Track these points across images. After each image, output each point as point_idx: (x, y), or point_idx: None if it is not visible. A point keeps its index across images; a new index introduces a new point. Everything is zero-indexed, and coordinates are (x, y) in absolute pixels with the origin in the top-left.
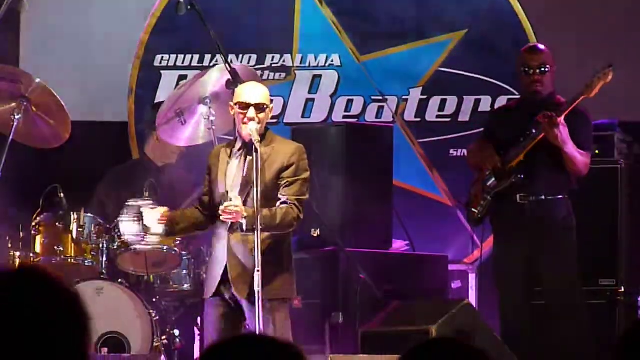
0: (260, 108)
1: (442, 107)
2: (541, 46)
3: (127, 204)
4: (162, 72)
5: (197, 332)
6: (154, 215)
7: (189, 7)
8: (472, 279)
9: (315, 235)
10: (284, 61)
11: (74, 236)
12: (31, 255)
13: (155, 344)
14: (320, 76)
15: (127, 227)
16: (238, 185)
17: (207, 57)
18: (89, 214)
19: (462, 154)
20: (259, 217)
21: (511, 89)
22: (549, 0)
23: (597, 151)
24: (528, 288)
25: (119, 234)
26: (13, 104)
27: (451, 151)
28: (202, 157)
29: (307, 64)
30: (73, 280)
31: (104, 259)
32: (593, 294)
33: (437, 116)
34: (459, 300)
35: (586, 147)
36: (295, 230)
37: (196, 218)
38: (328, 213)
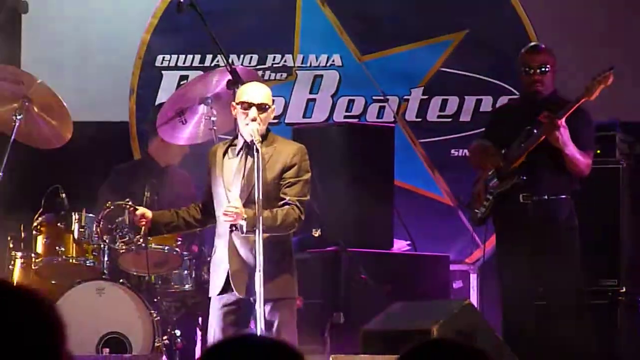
0: (262, 108)
1: (443, 107)
2: (542, 46)
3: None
4: (163, 72)
5: (198, 332)
6: (132, 217)
7: (190, 7)
8: (473, 279)
9: (317, 235)
10: (285, 61)
11: (76, 236)
12: (32, 255)
13: (156, 344)
14: (321, 76)
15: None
16: (238, 185)
17: (209, 57)
18: (91, 214)
19: (463, 154)
20: (260, 218)
21: (512, 89)
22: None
23: (598, 151)
24: (531, 288)
25: (120, 234)
26: (15, 104)
27: (452, 151)
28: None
29: (308, 64)
30: (74, 280)
31: (106, 259)
32: (594, 294)
33: (438, 116)
34: (460, 300)
35: (588, 147)
36: (297, 230)
37: (189, 216)
38: (329, 213)
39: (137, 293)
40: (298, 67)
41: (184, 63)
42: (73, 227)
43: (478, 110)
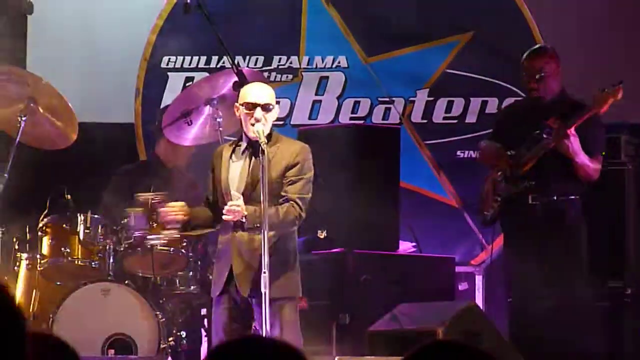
0: (266, 108)
1: (448, 108)
2: (541, 50)
3: (136, 197)
4: (169, 73)
5: (203, 333)
6: (171, 210)
7: (196, 8)
8: (478, 280)
9: (322, 236)
10: (290, 63)
11: (81, 238)
12: (38, 256)
13: (161, 346)
14: (327, 78)
15: (137, 221)
16: (244, 185)
17: (214, 58)
18: (96, 216)
19: (469, 156)
20: (265, 217)
21: (518, 91)
22: (556, 1)
23: (603, 153)
24: (538, 289)
25: (125, 235)
26: (20, 105)
27: (458, 153)
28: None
29: (314, 66)
30: (80, 281)
31: (111, 260)
32: (600, 295)
33: (444, 118)
34: (466, 301)
35: (597, 151)
36: (302, 230)
37: (208, 216)
38: (335, 214)
39: (142, 294)
40: (304, 68)
41: (189, 64)
42: (78, 228)
43: (484, 111)
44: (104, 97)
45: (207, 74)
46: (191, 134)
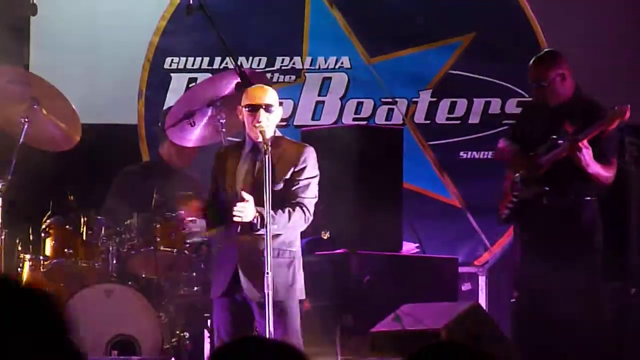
0: (268, 110)
1: (452, 109)
2: (540, 59)
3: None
4: (172, 74)
5: (206, 334)
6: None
7: (199, 9)
8: (482, 281)
9: (326, 237)
10: (293, 63)
11: (84, 239)
12: (41, 257)
13: (165, 347)
14: (330, 78)
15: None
16: (248, 187)
17: (217, 59)
18: (99, 217)
19: (472, 156)
20: (269, 218)
21: (521, 91)
22: (559, 1)
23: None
24: (548, 289)
25: (129, 237)
26: (23, 107)
27: (461, 153)
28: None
29: (316, 67)
30: (83, 282)
31: (114, 261)
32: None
33: (447, 118)
34: (469, 302)
35: (611, 154)
36: (306, 232)
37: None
38: (338, 215)
39: (145, 295)
40: (307, 69)
41: (192, 65)
42: (82, 229)
43: (487, 112)
44: (106, 98)
45: (210, 75)
46: (194, 135)
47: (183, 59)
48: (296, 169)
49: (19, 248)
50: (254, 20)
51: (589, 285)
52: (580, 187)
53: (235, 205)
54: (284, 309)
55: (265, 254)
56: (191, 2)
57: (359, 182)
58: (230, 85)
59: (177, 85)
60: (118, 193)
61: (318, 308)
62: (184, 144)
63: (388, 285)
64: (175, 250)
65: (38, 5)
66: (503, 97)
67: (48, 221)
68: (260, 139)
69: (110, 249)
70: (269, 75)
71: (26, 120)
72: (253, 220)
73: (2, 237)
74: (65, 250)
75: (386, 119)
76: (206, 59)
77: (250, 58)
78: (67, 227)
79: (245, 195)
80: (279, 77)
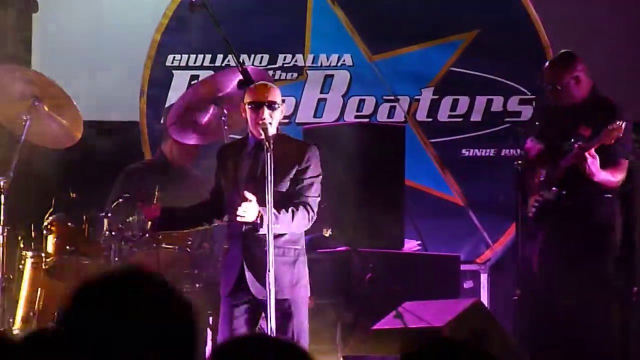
0: (271, 107)
1: (454, 107)
2: (554, 63)
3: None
4: (174, 72)
5: (209, 332)
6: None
7: (201, 7)
8: (483, 278)
9: (328, 235)
10: (295, 61)
11: (86, 236)
12: (43, 254)
13: None
14: (332, 76)
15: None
16: (251, 185)
17: (219, 57)
18: (101, 214)
19: (473, 154)
20: (271, 217)
21: (523, 89)
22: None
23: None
24: (555, 286)
25: (131, 234)
26: (26, 104)
27: (463, 151)
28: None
29: (319, 64)
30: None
31: (116, 258)
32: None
33: (449, 116)
34: (471, 299)
35: (622, 156)
36: (308, 229)
37: (197, 212)
38: (340, 213)
39: None
40: (309, 66)
41: (194, 63)
42: (84, 226)
43: (489, 110)
44: (109, 95)
45: (212, 73)
46: (196, 133)
47: (185, 56)
48: (300, 168)
49: (21, 245)
50: (256, 18)
51: (598, 284)
52: (594, 188)
53: (239, 205)
54: (290, 307)
55: (267, 253)
56: None
57: (360, 180)
58: (232, 82)
59: (179, 83)
60: (120, 190)
61: (320, 305)
62: (185, 142)
63: (390, 282)
64: (177, 247)
65: (40, 2)
66: (505, 94)
67: (50, 218)
68: (263, 137)
69: (112, 246)
70: (271, 72)
71: (28, 117)
72: (256, 219)
73: (4, 234)
74: (67, 247)
75: (388, 117)
76: (208, 57)
77: (253, 55)
78: (69, 224)
79: (248, 194)
80: (281, 75)
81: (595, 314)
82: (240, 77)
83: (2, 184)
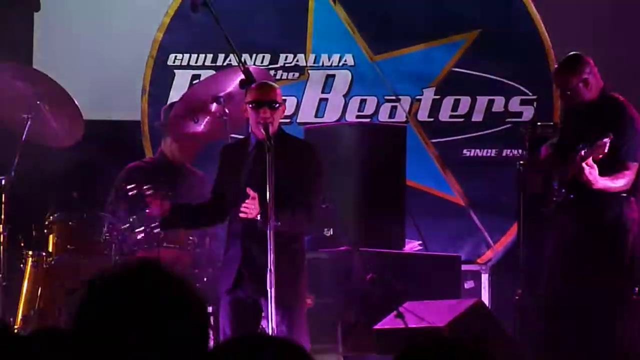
0: (272, 107)
1: (455, 107)
2: (562, 68)
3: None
4: (175, 71)
5: (209, 331)
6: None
7: (203, 6)
8: (484, 279)
9: (329, 235)
10: (297, 61)
11: (87, 235)
12: (44, 253)
13: None
14: (333, 76)
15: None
16: (253, 184)
17: (221, 56)
18: (102, 213)
19: (475, 154)
20: (272, 216)
21: (524, 89)
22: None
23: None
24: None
25: (131, 233)
26: (27, 104)
27: (464, 151)
28: (217, 157)
29: (320, 64)
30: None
31: (117, 257)
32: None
33: (450, 116)
34: (472, 300)
35: (629, 159)
36: (309, 229)
37: (201, 213)
38: (341, 213)
39: None
40: (310, 66)
41: (196, 62)
42: (84, 225)
43: (490, 110)
44: (110, 94)
45: (213, 72)
46: (197, 132)
47: (187, 55)
48: (302, 168)
49: (22, 244)
50: (258, 17)
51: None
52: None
53: (242, 202)
54: (289, 306)
55: (269, 252)
56: None
57: (362, 180)
58: (233, 82)
59: (181, 82)
60: (121, 189)
61: (321, 305)
62: (188, 141)
63: (391, 282)
64: (178, 246)
65: (42, 1)
66: (506, 95)
67: (51, 217)
68: (265, 136)
69: (113, 245)
70: (272, 72)
71: (29, 116)
72: (257, 217)
73: (5, 233)
74: (68, 246)
75: (389, 117)
76: (210, 56)
77: (254, 55)
78: (70, 223)
79: (250, 192)
80: (282, 74)
81: (599, 315)
82: (242, 76)
83: (3, 183)
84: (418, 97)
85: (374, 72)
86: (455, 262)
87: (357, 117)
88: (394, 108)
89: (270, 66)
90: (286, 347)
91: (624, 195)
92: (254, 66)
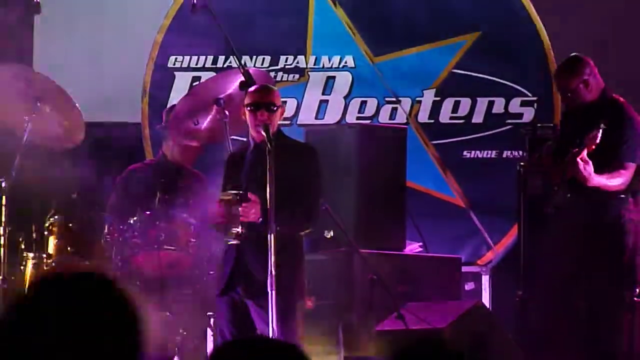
0: (270, 109)
1: (455, 108)
2: (562, 71)
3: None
4: (175, 73)
5: (210, 332)
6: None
7: (204, 9)
8: (485, 280)
9: (329, 236)
10: (297, 62)
11: (88, 237)
12: (44, 256)
13: (168, 345)
14: (333, 77)
15: None
16: (252, 187)
17: (221, 58)
18: (103, 215)
19: (475, 156)
20: (272, 218)
21: (525, 91)
22: (563, 1)
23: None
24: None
25: (132, 235)
26: (27, 105)
27: (464, 153)
28: (218, 159)
29: (320, 66)
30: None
31: (118, 259)
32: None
33: (451, 118)
34: (472, 301)
35: (627, 158)
36: (309, 231)
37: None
38: (341, 214)
39: (149, 293)
40: (310, 68)
41: (196, 64)
42: (85, 227)
43: (490, 112)
44: (110, 96)
45: (213, 74)
46: (197, 134)
47: (187, 57)
48: (301, 170)
49: (22, 246)
50: (258, 19)
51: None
52: (600, 192)
53: (241, 205)
54: (284, 309)
55: (270, 254)
56: (195, 0)
57: (362, 181)
58: (233, 84)
59: (181, 84)
60: (122, 191)
61: (321, 307)
62: (188, 143)
63: (391, 284)
64: (179, 248)
65: (42, 3)
66: (507, 96)
67: (52, 219)
68: (264, 139)
69: (114, 247)
70: (272, 74)
71: (30, 118)
72: (257, 219)
73: (6, 235)
74: (69, 248)
75: (390, 118)
76: (210, 58)
77: (254, 57)
78: (71, 225)
79: (251, 196)
80: (282, 76)
81: (599, 316)
82: (242, 78)
83: (3, 184)
84: (418, 98)
85: (374, 74)
86: (455, 263)
87: (358, 118)
88: (394, 109)
89: (271, 68)
90: (287, 349)
91: (623, 196)
92: (255, 68)
